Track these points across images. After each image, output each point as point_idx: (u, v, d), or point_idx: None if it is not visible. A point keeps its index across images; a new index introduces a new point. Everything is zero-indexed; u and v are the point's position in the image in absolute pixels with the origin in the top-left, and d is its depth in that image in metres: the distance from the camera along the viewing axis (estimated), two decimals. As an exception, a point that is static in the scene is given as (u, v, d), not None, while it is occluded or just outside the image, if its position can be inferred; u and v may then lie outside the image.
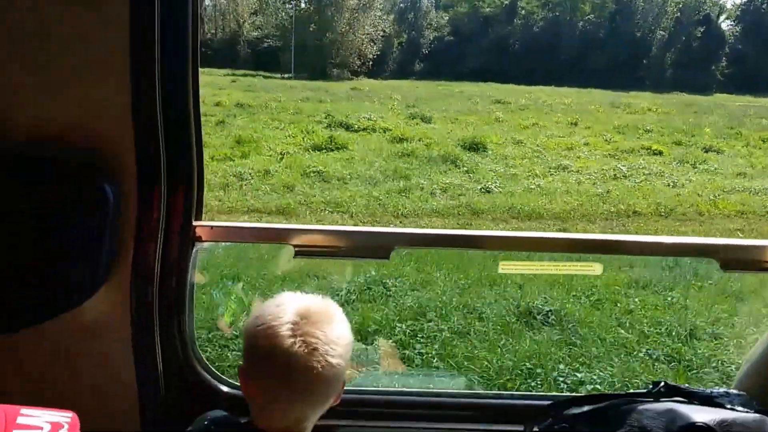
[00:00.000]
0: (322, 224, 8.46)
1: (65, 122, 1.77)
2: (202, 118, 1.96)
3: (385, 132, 14.99)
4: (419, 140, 14.15)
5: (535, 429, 1.97)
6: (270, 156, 12.40)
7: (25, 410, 1.13)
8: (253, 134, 13.99)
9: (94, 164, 1.78)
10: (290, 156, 12.42)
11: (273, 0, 34.80)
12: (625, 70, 29.61)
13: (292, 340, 1.50)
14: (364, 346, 5.01)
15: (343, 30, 32.33)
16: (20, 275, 1.73)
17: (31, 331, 1.80)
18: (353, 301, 5.98)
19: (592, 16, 32.51)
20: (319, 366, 1.50)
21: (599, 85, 25.93)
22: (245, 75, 28.11)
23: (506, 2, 34.16)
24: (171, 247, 1.95)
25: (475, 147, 13.62)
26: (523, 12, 33.53)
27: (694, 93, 26.68)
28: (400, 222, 9.37)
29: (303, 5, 33.63)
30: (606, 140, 15.19)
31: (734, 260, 2.09)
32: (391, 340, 5.24)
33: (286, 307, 1.56)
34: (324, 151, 12.96)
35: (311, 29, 32.49)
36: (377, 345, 5.20)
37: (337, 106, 18.66)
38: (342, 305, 1.69)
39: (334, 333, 1.56)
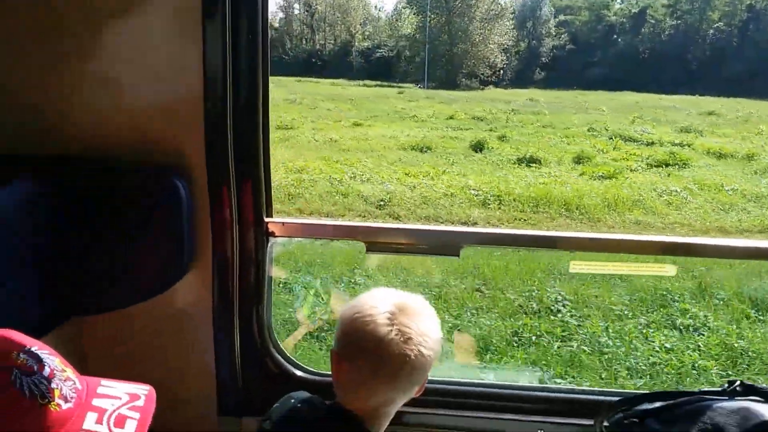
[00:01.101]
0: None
1: (140, 126, 1.93)
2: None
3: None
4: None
5: (605, 424, 1.96)
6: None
7: (105, 381, 1.23)
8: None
9: (167, 164, 1.92)
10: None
11: (397, 11, 35.19)
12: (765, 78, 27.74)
13: (389, 328, 1.57)
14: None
15: (475, 40, 32.41)
16: (112, 264, 1.93)
17: (121, 313, 1.99)
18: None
19: (722, 24, 31.18)
20: (412, 354, 1.57)
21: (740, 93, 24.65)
22: (379, 86, 28.52)
23: (634, 10, 33.18)
24: (246, 242, 2.07)
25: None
26: (652, 20, 32.51)
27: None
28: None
29: (433, 16, 33.83)
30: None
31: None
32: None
33: (383, 299, 1.64)
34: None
35: (442, 39, 32.71)
36: (452, 337, 5.24)
37: (586, 118, 18.39)
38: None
39: (427, 326, 1.63)
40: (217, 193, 1.98)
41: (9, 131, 1.93)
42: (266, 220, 2.09)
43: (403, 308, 1.62)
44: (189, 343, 2.12)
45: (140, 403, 1.21)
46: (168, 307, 2.06)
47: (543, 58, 34.12)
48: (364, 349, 1.58)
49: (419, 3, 33.86)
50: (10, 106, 1.92)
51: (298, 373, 2.21)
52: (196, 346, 2.12)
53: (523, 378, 4.84)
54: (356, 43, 36.96)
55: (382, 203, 10.04)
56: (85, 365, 2.00)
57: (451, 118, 18.74)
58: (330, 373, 2.07)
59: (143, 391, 1.25)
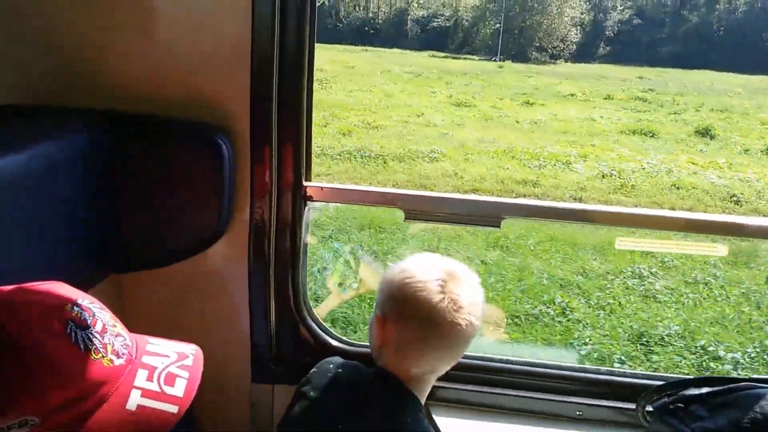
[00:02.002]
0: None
1: (186, 83, 1.92)
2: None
3: None
4: None
5: (648, 408, 1.91)
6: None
7: (153, 340, 1.22)
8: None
9: (211, 122, 1.91)
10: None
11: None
12: None
13: (441, 296, 1.58)
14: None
15: (551, 12, 32.07)
16: (152, 222, 1.94)
17: (158, 273, 2.02)
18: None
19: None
20: (463, 323, 1.59)
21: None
22: (455, 57, 28.10)
23: (708, -15, 32.13)
24: (284, 204, 2.06)
25: None
26: None
27: None
28: None
29: None
30: None
31: None
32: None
33: (434, 265, 1.65)
34: None
35: (515, 11, 32.45)
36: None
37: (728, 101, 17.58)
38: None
39: (476, 296, 1.65)
40: (258, 154, 1.96)
41: (59, 84, 1.94)
42: (305, 184, 2.06)
43: (453, 276, 1.63)
44: (225, 306, 2.13)
45: (189, 362, 1.21)
46: (205, 268, 2.06)
47: (607, 32, 33.34)
48: (415, 316, 1.59)
49: (491, -27, 33.53)
50: (60, 59, 1.92)
51: (333, 342, 2.19)
52: (231, 310, 2.12)
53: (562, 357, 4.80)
54: (412, 12, 36.75)
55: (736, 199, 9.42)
56: (123, 323, 2.00)
57: (608, 98, 17.97)
58: (365, 343, 2.06)
59: (191, 350, 1.25)
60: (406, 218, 2.10)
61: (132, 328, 1.22)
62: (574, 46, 31.26)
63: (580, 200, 9.42)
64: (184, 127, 1.91)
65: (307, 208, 2.10)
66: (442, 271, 1.63)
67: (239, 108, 1.92)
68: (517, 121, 14.59)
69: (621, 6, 33.61)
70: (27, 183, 1.55)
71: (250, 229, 2.03)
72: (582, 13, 32.19)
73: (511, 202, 2.46)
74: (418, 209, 2.09)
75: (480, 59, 29.16)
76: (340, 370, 1.74)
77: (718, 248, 2.43)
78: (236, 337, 2.13)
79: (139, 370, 1.14)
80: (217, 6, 1.86)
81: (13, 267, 1.51)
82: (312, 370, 1.78)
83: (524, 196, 9.43)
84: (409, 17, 36.16)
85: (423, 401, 1.69)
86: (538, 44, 31.36)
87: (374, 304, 1.73)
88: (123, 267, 2.00)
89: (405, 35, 34.63)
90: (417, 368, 1.65)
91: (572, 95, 18.03)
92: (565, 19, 31.81)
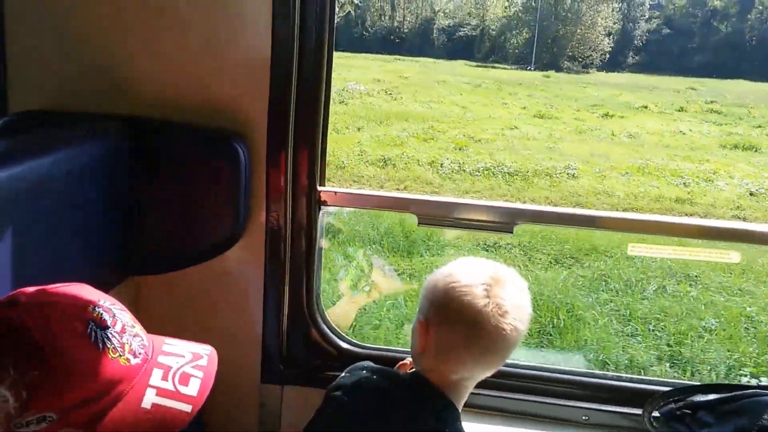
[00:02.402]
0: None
1: (204, 89, 1.97)
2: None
3: None
4: None
5: (655, 414, 1.91)
6: None
7: (169, 340, 1.26)
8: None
9: (228, 128, 1.96)
10: None
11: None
12: None
13: (486, 300, 1.54)
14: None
15: (586, 22, 31.98)
16: (170, 226, 2.00)
17: (175, 276, 2.07)
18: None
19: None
20: (508, 329, 1.54)
21: None
22: (484, 66, 27.95)
23: (741, -5, 31.52)
24: (299, 209, 2.09)
25: None
26: (760, 7, 30.42)
27: None
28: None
29: None
30: None
31: None
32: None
33: (479, 269, 1.62)
34: None
35: (549, 21, 32.40)
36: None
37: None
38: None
39: (522, 300, 1.61)
40: (274, 159, 2.00)
41: (82, 91, 1.99)
42: (319, 188, 2.10)
43: (499, 281, 1.59)
44: (239, 309, 2.16)
45: (203, 362, 1.23)
46: (220, 271, 2.10)
47: (635, 42, 33.09)
48: (460, 320, 1.56)
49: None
50: (82, 64, 1.98)
51: (344, 345, 2.22)
52: (245, 313, 2.15)
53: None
54: (438, 21, 36.78)
55: None
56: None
57: (681, 110, 17.72)
58: (376, 346, 2.08)
59: (206, 351, 1.27)
60: (419, 223, 2.12)
61: (146, 329, 1.25)
62: (607, 56, 31.13)
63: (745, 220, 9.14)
64: (202, 132, 1.95)
65: (321, 212, 2.13)
66: (488, 275, 1.59)
67: (257, 114, 1.96)
68: (613, 134, 14.45)
69: (648, 15, 33.39)
70: (49, 187, 1.60)
71: (265, 233, 2.06)
72: (614, 23, 32.06)
73: (523, 207, 2.49)
74: (432, 214, 2.12)
75: (513, 68, 29.07)
76: (373, 375, 1.70)
77: (732, 255, 2.42)
78: (248, 338, 2.17)
79: (155, 370, 1.17)
80: (237, 14, 1.91)
81: (35, 269, 1.56)
82: (343, 374, 1.75)
83: (685, 215, 9.22)
84: (435, 26, 36.22)
85: (460, 408, 1.65)
86: (570, 53, 31.29)
87: (417, 310, 1.70)
88: (141, 270, 2.05)
89: (431, 44, 34.65)
90: (456, 374, 1.61)
91: (645, 107, 17.87)
92: (598, 29, 31.72)
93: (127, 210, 1.92)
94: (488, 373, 1.65)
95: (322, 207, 2.12)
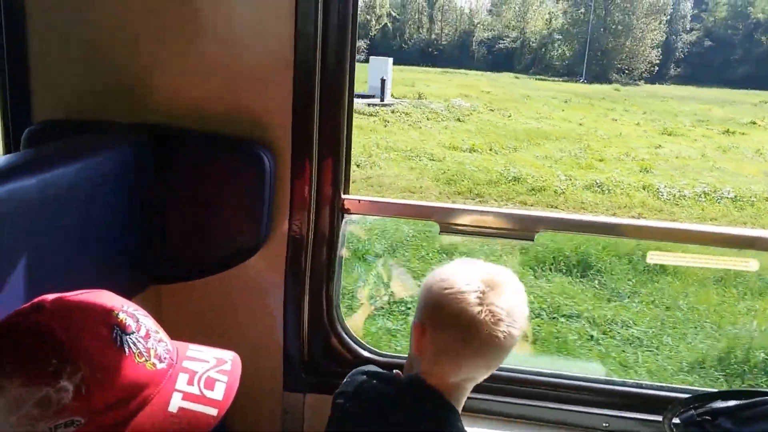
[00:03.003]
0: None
1: (228, 98, 1.97)
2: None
3: None
4: None
5: (675, 420, 1.91)
6: None
7: (193, 346, 1.26)
8: None
9: (253, 137, 1.96)
10: None
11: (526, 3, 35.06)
12: None
13: (479, 308, 1.55)
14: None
15: (636, 35, 32.06)
16: (193, 234, 1.99)
17: (196, 284, 2.06)
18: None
19: None
20: (501, 336, 1.56)
21: None
22: (541, 79, 28.20)
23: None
24: (322, 217, 2.10)
25: None
26: None
27: None
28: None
29: (584, 10, 33.49)
30: None
31: None
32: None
33: (472, 274, 1.62)
34: None
35: (599, 33, 32.49)
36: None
37: None
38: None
39: (517, 304, 1.61)
40: (299, 168, 2.00)
41: (107, 100, 1.99)
42: (343, 196, 2.11)
43: (493, 286, 1.59)
44: (259, 316, 2.16)
45: (227, 367, 1.24)
46: (242, 279, 2.10)
47: (677, 54, 32.94)
48: (453, 325, 1.57)
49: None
50: (104, 73, 1.98)
51: (364, 353, 2.23)
52: (266, 320, 2.15)
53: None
54: (477, 34, 36.99)
55: None
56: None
57: None
58: (396, 354, 2.09)
59: (229, 356, 1.28)
60: (441, 231, 2.13)
61: (168, 336, 1.26)
62: (656, 68, 31.05)
63: None
64: (227, 141, 1.95)
65: (344, 220, 2.14)
66: (481, 281, 1.60)
67: (281, 123, 1.96)
68: (760, 152, 14.38)
69: (689, 27, 33.29)
70: (75, 195, 1.60)
71: (288, 241, 2.06)
72: (662, 36, 32.05)
73: (544, 215, 2.48)
74: (453, 222, 2.12)
75: (561, 81, 29.09)
76: (372, 380, 1.73)
77: (750, 263, 2.41)
78: (269, 346, 2.17)
79: (180, 374, 1.17)
80: (260, 23, 1.91)
81: (59, 275, 1.56)
82: (344, 381, 1.78)
83: None
84: (474, 39, 36.35)
85: (459, 409, 1.68)
86: (619, 66, 31.27)
87: (415, 312, 1.72)
88: (163, 278, 2.04)
89: (470, 56, 34.75)
90: (454, 377, 1.64)
91: (753, 123, 17.98)
92: (647, 41, 31.72)
93: (150, 218, 1.91)
94: (486, 375, 1.67)
95: (345, 215, 2.13)
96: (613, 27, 32.81)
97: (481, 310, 1.55)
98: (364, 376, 1.74)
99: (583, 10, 33.68)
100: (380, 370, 1.76)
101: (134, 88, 1.97)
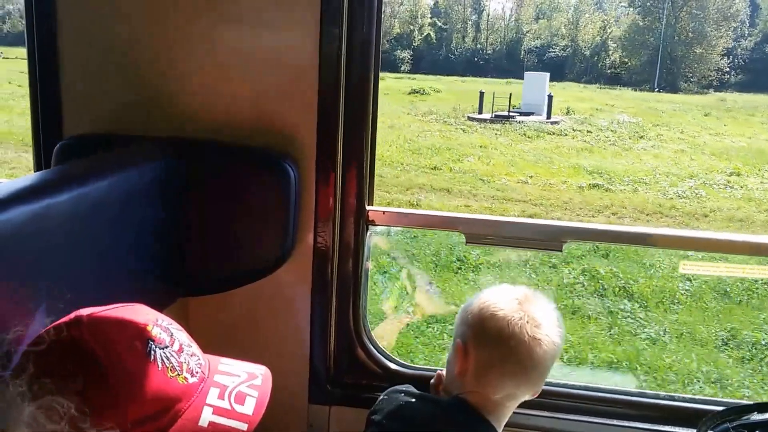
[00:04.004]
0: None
1: (254, 111, 1.98)
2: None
3: None
4: None
5: (709, 432, 1.88)
6: None
7: (224, 360, 1.27)
8: None
9: (278, 149, 1.97)
10: None
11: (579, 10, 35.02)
12: None
13: (520, 314, 1.64)
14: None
15: (710, 42, 31.98)
16: (221, 247, 2.00)
17: (224, 296, 2.06)
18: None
19: None
20: (544, 339, 1.63)
21: None
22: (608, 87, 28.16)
23: None
24: (347, 229, 2.10)
25: None
26: None
27: None
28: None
29: (650, 19, 33.40)
30: None
31: None
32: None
33: (508, 293, 1.71)
34: None
35: (669, 41, 32.43)
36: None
37: None
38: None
39: (554, 319, 1.70)
40: (324, 179, 2.01)
41: (138, 115, 2.02)
42: (367, 208, 2.11)
43: (529, 298, 1.68)
44: (286, 328, 2.16)
45: (258, 382, 1.25)
46: (269, 291, 2.10)
47: (737, 60, 32.66)
48: (498, 336, 1.63)
49: (643, 3, 33.50)
50: (132, 88, 2.01)
51: (392, 365, 2.21)
52: (292, 332, 2.15)
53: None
54: (525, 42, 37.03)
55: None
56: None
57: None
58: (423, 366, 2.08)
59: (260, 371, 1.29)
60: (467, 242, 2.12)
61: (201, 346, 1.27)
62: (725, 76, 30.77)
63: None
64: (253, 153, 1.97)
65: (369, 232, 2.13)
66: (519, 294, 1.68)
67: (306, 135, 1.97)
68: None
69: (747, 32, 32.99)
70: (108, 208, 1.62)
71: (313, 253, 2.06)
72: (730, 43, 31.81)
73: (572, 225, 2.47)
74: (480, 233, 2.11)
75: (631, 89, 28.85)
76: (412, 399, 1.73)
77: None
78: (295, 358, 2.16)
79: (212, 389, 1.18)
80: (285, 37, 1.93)
81: (90, 288, 1.55)
82: (381, 397, 1.78)
83: None
84: (523, 48, 36.34)
85: (500, 429, 1.69)
86: (688, 74, 31.05)
87: (453, 335, 1.75)
88: (191, 290, 2.05)
89: (519, 65, 34.66)
90: (497, 394, 1.65)
91: None
92: (718, 48, 31.51)
93: (178, 231, 1.93)
94: (529, 393, 1.70)
95: (370, 227, 2.13)
96: (685, 35, 32.47)
97: (522, 316, 1.63)
98: (402, 395, 1.75)
99: (649, 18, 33.37)
100: (421, 392, 1.77)
101: (162, 103, 1.99)
